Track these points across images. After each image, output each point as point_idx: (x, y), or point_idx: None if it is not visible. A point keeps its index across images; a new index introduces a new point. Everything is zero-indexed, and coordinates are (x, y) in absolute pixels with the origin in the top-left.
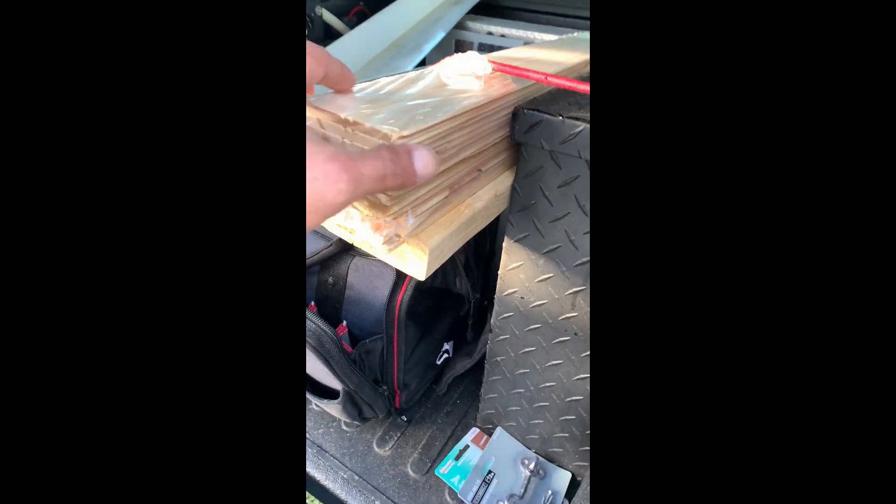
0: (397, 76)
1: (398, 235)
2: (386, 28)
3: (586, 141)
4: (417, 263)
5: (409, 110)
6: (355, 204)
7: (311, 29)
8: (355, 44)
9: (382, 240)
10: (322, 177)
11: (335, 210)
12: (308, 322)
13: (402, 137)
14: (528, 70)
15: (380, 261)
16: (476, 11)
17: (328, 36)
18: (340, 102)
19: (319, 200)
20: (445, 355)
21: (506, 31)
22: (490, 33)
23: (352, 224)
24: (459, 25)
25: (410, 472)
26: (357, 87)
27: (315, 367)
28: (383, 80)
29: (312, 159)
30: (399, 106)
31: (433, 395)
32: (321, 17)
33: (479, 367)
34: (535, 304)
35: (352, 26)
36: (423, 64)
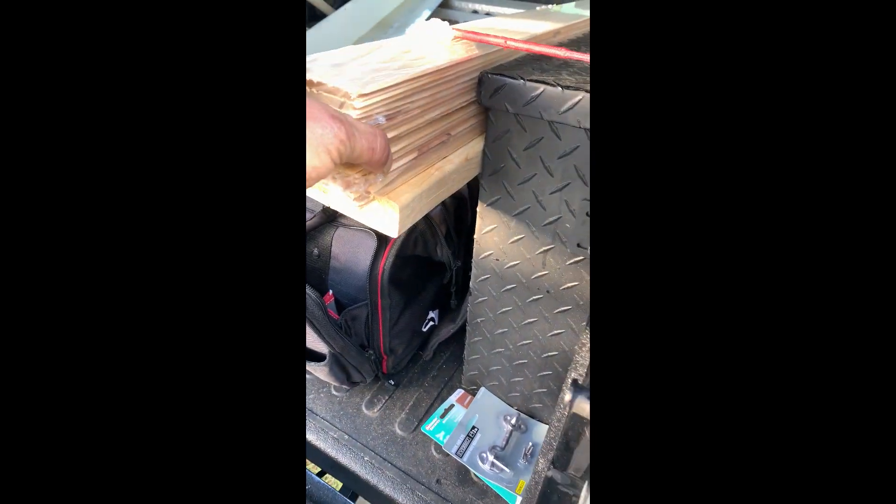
0: (365, 45)
1: (368, 192)
2: (371, 7)
3: (548, 103)
4: (390, 220)
5: (371, 72)
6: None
7: None
8: (340, 24)
9: (353, 196)
10: (328, 128)
11: (335, 160)
12: None
13: (362, 95)
14: (488, 35)
15: (362, 230)
16: None
17: (312, 17)
18: (308, 66)
19: (324, 149)
20: (431, 323)
21: (491, 8)
22: (475, 11)
23: (324, 184)
24: (445, 4)
25: (398, 431)
26: (324, 54)
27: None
28: (350, 49)
29: (320, 112)
30: (363, 69)
31: (420, 361)
32: None
33: (463, 333)
34: (509, 265)
35: (336, 7)
36: None
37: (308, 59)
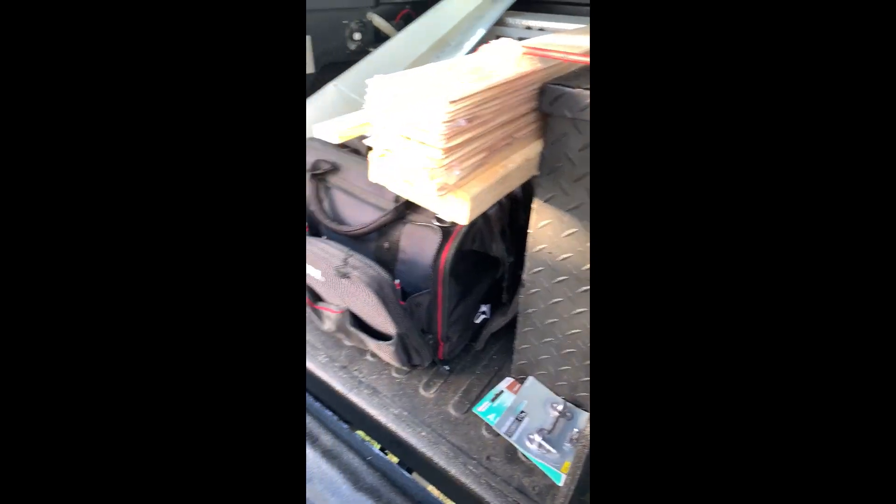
0: (447, 61)
1: (447, 184)
2: (430, 28)
3: None
4: (461, 209)
5: (456, 83)
6: (415, 159)
7: (363, 33)
8: (402, 45)
9: (436, 187)
10: None
11: None
12: (372, 271)
13: (452, 102)
14: (550, 51)
15: (428, 226)
16: (515, 8)
17: (378, 39)
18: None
19: None
20: (483, 315)
21: (544, 24)
22: (529, 28)
23: (410, 177)
24: (499, 22)
25: (452, 411)
26: (414, 70)
27: (373, 312)
28: (436, 65)
29: None
30: (450, 81)
31: (472, 351)
32: (371, 22)
33: (512, 327)
34: (561, 257)
35: (399, 29)
36: None
37: (398, 74)
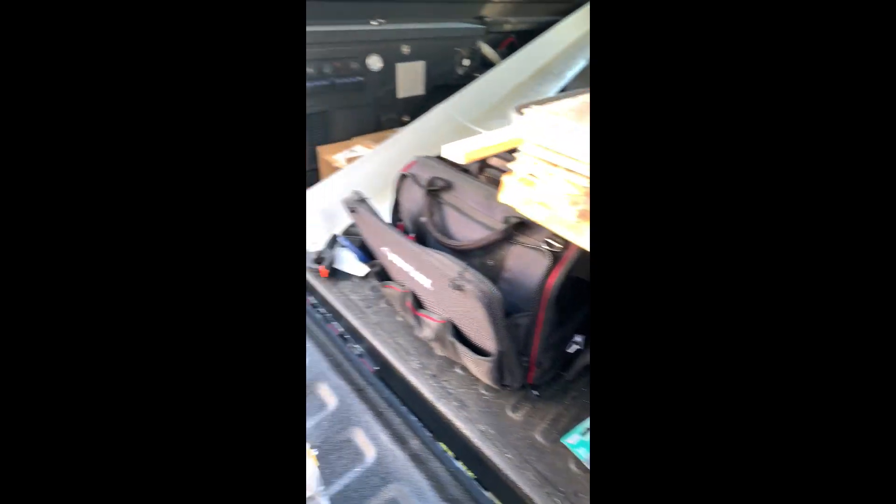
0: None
1: (586, 211)
2: (532, 57)
3: None
4: (586, 235)
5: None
6: (558, 186)
7: (472, 60)
8: (506, 72)
9: (576, 213)
10: None
11: None
12: (485, 287)
13: None
14: None
15: (536, 249)
16: None
17: (484, 65)
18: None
19: None
20: (576, 346)
21: None
22: None
23: (550, 202)
24: None
25: (538, 438)
26: (569, 101)
27: (477, 327)
28: (568, 96)
29: None
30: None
31: (562, 381)
32: (480, 49)
33: None
34: None
35: (504, 57)
36: (564, 90)
37: (528, 110)
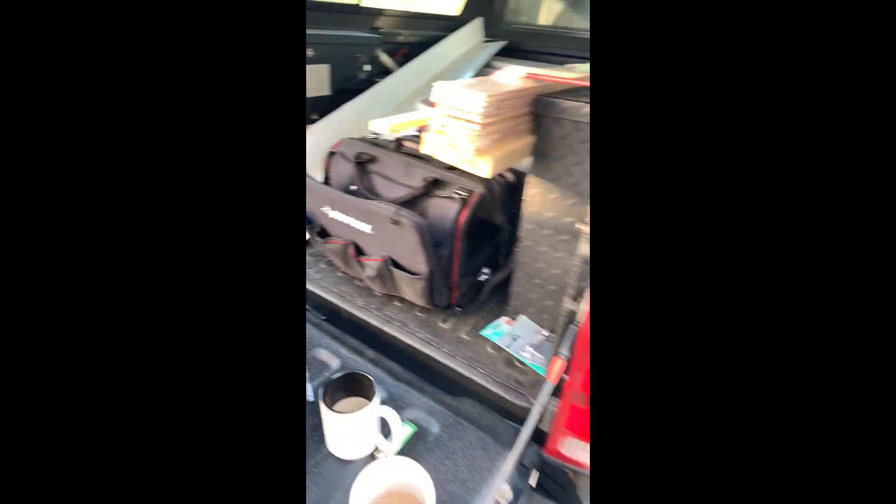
0: (476, 78)
1: (480, 147)
2: (427, 66)
3: (573, 111)
4: (486, 166)
5: (487, 90)
6: (465, 131)
7: (373, 66)
8: (403, 78)
9: (473, 149)
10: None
11: None
12: (416, 218)
13: (490, 96)
14: (543, 77)
15: (449, 198)
16: (501, 54)
17: (383, 72)
18: (438, 89)
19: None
20: (485, 276)
21: (525, 70)
22: None
23: (456, 143)
24: (487, 65)
25: (464, 336)
26: (451, 83)
27: (412, 253)
28: (468, 80)
29: None
30: (483, 89)
31: (477, 301)
32: (378, 57)
33: (507, 284)
34: (546, 215)
35: (400, 65)
36: None
37: (437, 84)
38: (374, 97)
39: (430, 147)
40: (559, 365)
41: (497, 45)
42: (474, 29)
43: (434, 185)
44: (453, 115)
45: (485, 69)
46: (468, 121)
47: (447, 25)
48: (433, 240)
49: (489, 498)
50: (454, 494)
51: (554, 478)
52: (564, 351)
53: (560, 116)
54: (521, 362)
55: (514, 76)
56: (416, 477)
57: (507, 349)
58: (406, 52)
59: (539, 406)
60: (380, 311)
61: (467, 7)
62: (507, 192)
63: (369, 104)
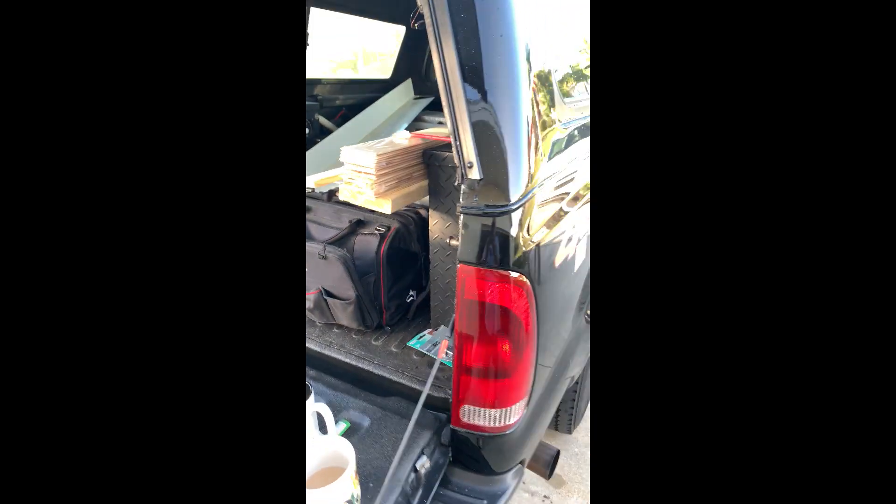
0: (376, 140)
1: (378, 192)
2: (363, 124)
3: (451, 159)
4: (386, 205)
5: (381, 149)
6: (366, 181)
7: (310, 129)
8: (342, 137)
9: (373, 193)
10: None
11: None
12: (341, 251)
13: (379, 155)
14: (426, 136)
15: (371, 234)
16: (431, 108)
17: (322, 133)
18: (345, 153)
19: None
20: (411, 298)
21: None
22: (441, 122)
23: (361, 190)
24: (418, 118)
25: (393, 349)
26: (353, 147)
27: (340, 282)
28: (370, 142)
29: None
30: (377, 148)
31: (405, 321)
32: (318, 120)
33: (429, 301)
34: (444, 239)
35: (339, 125)
36: None
37: (343, 149)
38: (314, 156)
39: (345, 195)
40: (443, 344)
41: (426, 101)
42: (405, 88)
43: (358, 224)
44: (356, 169)
45: (417, 122)
46: (367, 173)
47: (380, 87)
48: (360, 269)
49: (405, 465)
50: (380, 468)
51: (459, 446)
52: (446, 333)
53: (441, 164)
54: (441, 363)
55: (405, 137)
56: (342, 449)
57: (428, 353)
58: (344, 114)
59: (431, 378)
60: (320, 337)
61: (396, 70)
62: (420, 225)
63: (311, 162)
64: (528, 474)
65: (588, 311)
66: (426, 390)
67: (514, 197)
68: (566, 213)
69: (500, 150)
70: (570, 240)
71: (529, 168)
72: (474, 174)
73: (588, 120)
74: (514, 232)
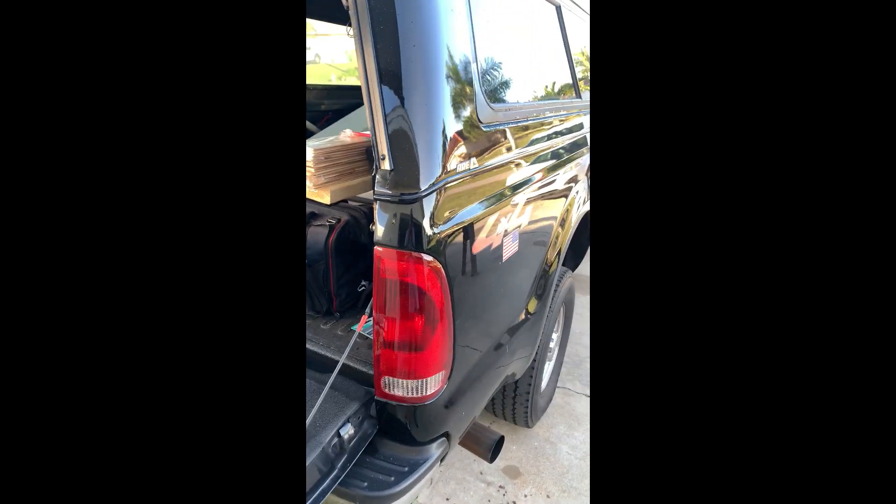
0: (325, 138)
1: (318, 183)
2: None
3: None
4: (326, 196)
5: (325, 144)
6: (308, 173)
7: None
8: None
9: (313, 186)
10: None
11: None
12: None
13: (316, 150)
14: (365, 134)
15: (322, 225)
16: None
17: (307, 136)
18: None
19: None
20: (363, 287)
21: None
22: None
23: (308, 184)
24: None
25: (339, 332)
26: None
27: None
28: (317, 140)
29: None
30: (319, 143)
31: (356, 309)
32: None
33: None
34: None
35: (321, 129)
36: None
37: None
38: None
39: None
40: (363, 319)
41: None
42: None
43: (311, 216)
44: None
45: None
46: (310, 167)
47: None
48: (311, 257)
49: (329, 429)
50: (309, 433)
51: (386, 418)
52: (366, 310)
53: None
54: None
55: (349, 135)
56: None
57: (369, 336)
58: (330, 118)
59: (348, 349)
60: None
61: None
62: (370, 217)
63: None
64: (486, 466)
65: (529, 310)
66: (342, 358)
67: (423, 186)
68: (491, 206)
69: (411, 145)
70: (495, 231)
71: (444, 162)
72: (386, 165)
73: (526, 122)
74: (425, 219)
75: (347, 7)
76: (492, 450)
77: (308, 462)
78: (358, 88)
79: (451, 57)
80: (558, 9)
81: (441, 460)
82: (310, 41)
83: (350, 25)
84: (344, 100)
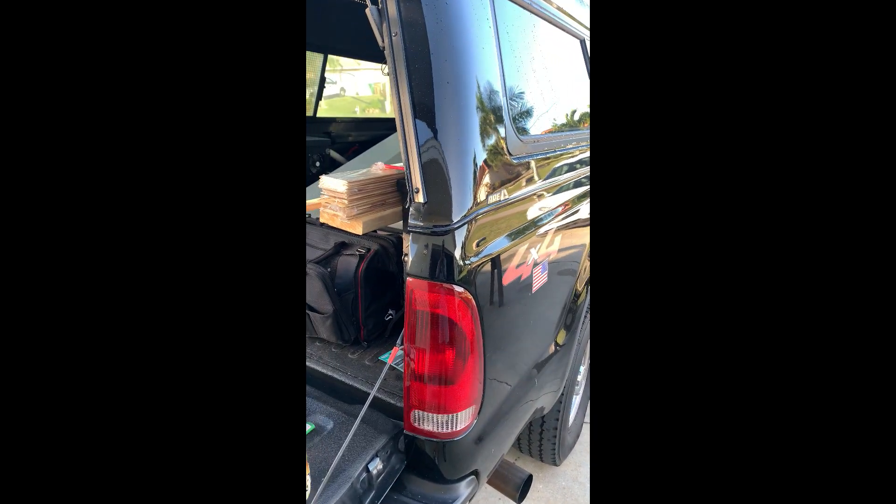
0: (361, 170)
1: (350, 214)
2: (371, 159)
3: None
4: (358, 227)
5: (355, 177)
6: (339, 205)
7: (322, 162)
8: (349, 169)
9: (346, 217)
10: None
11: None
12: (320, 269)
13: (349, 182)
14: (397, 167)
15: (352, 255)
16: None
17: (333, 166)
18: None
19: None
20: (390, 316)
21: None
22: None
23: (337, 214)
24: None
25: (367, 363)
26: (333, 174)
27: (319, 296)
28: (347, 172)
29: None
30: (352, 175)
31: (383, 338)
32: (329, 155)
33: None
34: None
35: (349, 160)
36: None
37: (322, 177)
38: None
39: (324, 217)
40: (394, 351)
41: None
42: None
43: (342, 246)
44: (332, 195)
45: None
46: (340, 198)
47: (391, 125)
48: (340, 287)
49: (357, 464)
50: (338, 467)
51: (414, 453)
52: (398, 341)
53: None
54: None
55: (381, 168)
56: None
57: (397, 367)
58: (356, 149)
59: (379, 381)
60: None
61: None
62: (399, 247)
63: (315, 191)
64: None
65: (558, 342)
66: (374, 391)
67: (455, 218)
68: (520, 236)
69: (444, 178)
70: (524, 262)
71: (475, 193)
72: (420, 198)
73: (552, 153)
74: (457, 250)
75: (383, 48)
76: (520, 489)
77: (336, 499)
78: (382, 120)
79: (481, 93)
80: (582, 42)
81: (469, 500)
82: (335, 76)
83: (385, 64)
84: (369, 131)
